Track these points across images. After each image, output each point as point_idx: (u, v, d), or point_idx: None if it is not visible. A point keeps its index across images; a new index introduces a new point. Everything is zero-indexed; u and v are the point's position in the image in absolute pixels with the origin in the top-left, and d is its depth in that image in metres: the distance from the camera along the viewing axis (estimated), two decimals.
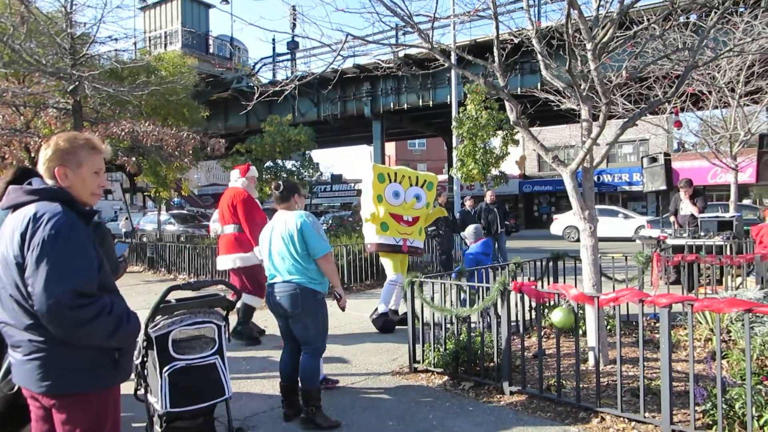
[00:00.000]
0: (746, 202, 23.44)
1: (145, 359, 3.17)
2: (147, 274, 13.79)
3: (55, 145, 2.14)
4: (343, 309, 4.11)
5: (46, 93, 13.25)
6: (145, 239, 18.55)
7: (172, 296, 3.23)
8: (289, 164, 19.67)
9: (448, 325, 4.97)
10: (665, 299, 3.40)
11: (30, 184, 2.11)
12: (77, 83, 11.62)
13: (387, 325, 6.81)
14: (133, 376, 2.98)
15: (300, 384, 3.97)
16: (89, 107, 13.59)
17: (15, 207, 2.08)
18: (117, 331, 2.05)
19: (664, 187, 10.64)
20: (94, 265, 2.04)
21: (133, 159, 13.11)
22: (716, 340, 3.24)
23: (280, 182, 4.15)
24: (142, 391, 3.26)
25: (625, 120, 4.89)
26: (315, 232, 3.89)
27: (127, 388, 2.82)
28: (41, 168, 2.14)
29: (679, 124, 12.04)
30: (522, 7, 5.41)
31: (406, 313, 6.82)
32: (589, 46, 4.40)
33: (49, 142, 2.16)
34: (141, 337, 3.09)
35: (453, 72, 19.28)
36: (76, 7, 12.15)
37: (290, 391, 4.05)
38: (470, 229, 6.97)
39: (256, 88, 5.37)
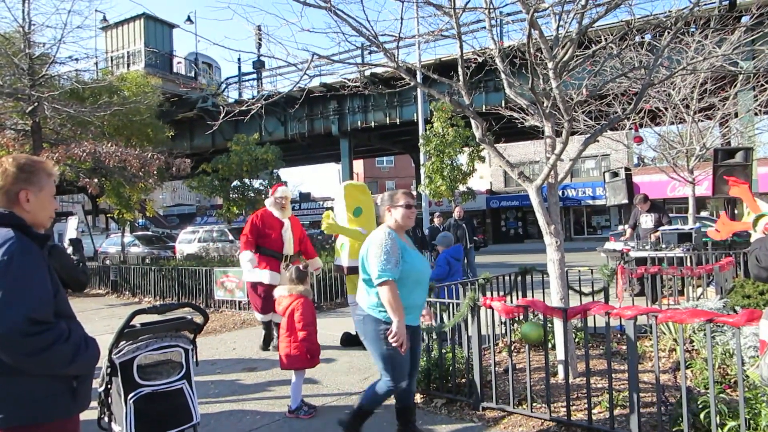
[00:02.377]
0: (704, 214, 24.21)
1: (109, 386, 3.07)
2: (110, 298, 13.43)
3: (17, 168, 2.08)
4: (400, 347, 3.33)
5: (3, 114, 12.92)
6: (108, 262, 18.10)
7: (138, 320, 3.15)
8: (256, 183, 19.49)
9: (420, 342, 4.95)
10: (630, 311, 3.47)
11: None
12: (36, 104, 11.37)
13: (348, 337, 7.04)
14: (95, 403, 2.88)
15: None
16: (49, 128, 13.30)
17: None
18: (75, 359, 1.98)
19: (625, 201, 10.95)
20: (50, 291, 1.97)
21: (95, 180, 12.85)
22: (680, 351, 3.32)
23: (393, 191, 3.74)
24: (105, 420, 3.14)
25: (588, 136, 5.02)
26: (377, 253, 3.37)
27: (89, 415, 2.73)
28: None
29: (639, 140, 12.44)
30: (485, 27, 5.52)
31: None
32: (550, 65, 4.51)
33: (2, 165, 2.09)
34: (104, 363, 3.00)
35: (419, 90, 19.54)
36: (34, 27, 11.95)
37: (402, 412, 3.79)
38: (441, 237, 7.08)
39: (222, 107, 5.34)
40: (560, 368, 4.81)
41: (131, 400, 2.97)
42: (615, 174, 11.10)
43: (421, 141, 17.58)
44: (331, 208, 7.18)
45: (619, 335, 6.11)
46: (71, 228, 8.77)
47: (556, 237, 4.83)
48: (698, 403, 3.37)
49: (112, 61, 27.47)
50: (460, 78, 4.96)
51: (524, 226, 37.52)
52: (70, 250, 2.85)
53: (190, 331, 3.30)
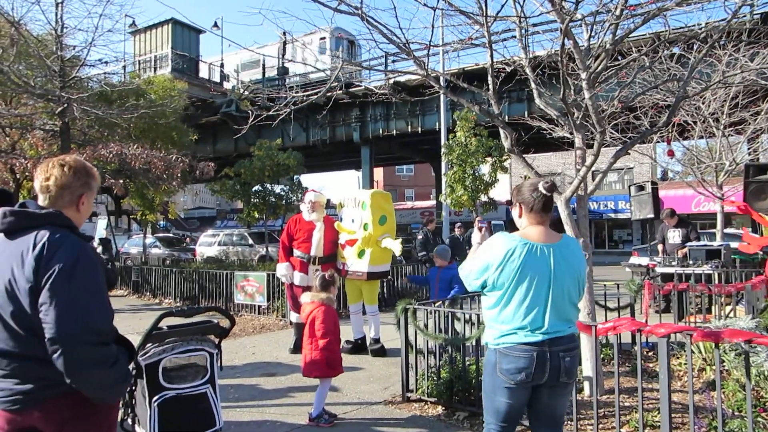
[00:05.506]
0: (729, 230, 23.71)
1: (134, 388, 3.06)
2: (131, 299, 13.55)
3: (84, 170, 2.12)
4: None
5: (34, 115, 13.16)
6: (129, 263, 18.30)
7: (163, 323, 3.14)
8: (277, 188, 19.56)
9: (442, 354, 4.89)
10: (663, 329, 3.37)
11: (24, 206, 2.04)
12: (66, 105, 11.55)
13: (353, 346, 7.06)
14: (120, 404, 2.88)
15: None
16: (77, 129, 13.50)
17: (12, 231, 1.99)
18: (115, 384, 2.08)
19: (651, 216, 10.72)
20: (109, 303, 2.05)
21: (120, 181, 13.00)
22: (716, 371, 3.21)
23: (552, 180, 2.77)
24: (129, 422, 3.14)
25: (619, 148, 4.93)
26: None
27: None
28: (55, 191, 2.07)
29: (672, 153, 12.22)
30: (514, 36, 5.47)
31: (356, 340, 7.01)
32: (583, 75, 4.44)
33: (69, 164, 2.10)
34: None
35: (442, 99, 19.50)
36: (66, 30, 12.17)
37: None
38: (441, 249, 6.67)
39: (251, 111, 5.36)
40: (586, 385, 4.71)
41: (156, 403, 2.96)
42: (641, 188, 10.87)
43: (443, 150, 17.50)
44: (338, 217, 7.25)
45: (645, 352, 5.97)
46: (100, 228, 8.84)
47: (585, 250, 4.73)
48: (734, 426, 3.26)
49: (139, 64, 27.92)
50: (490, 87, 4.91)
51: None
52: (99, 249, 2.86)
53: (216, 336, 3.29)
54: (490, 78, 4.88)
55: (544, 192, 2.67)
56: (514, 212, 2.83)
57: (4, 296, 1.91)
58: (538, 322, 2.59)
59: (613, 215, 33.34)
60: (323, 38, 25.33)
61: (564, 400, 2.73)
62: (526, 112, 19.94)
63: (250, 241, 22.21)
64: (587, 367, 4.60)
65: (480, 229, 3.93)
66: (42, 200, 2.08)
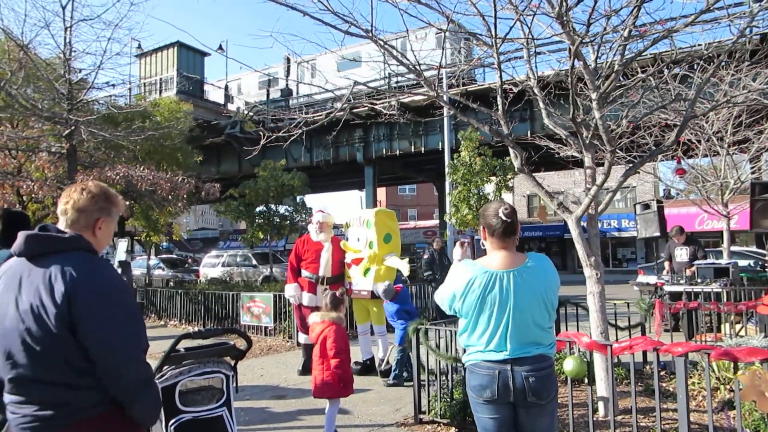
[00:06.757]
0: (734, 248, 23.60)
1: None
2: None
3: (103, 194, 2.13)
4: None
5: (41, 137, 13.24)
6: (134, 284, 18.28)
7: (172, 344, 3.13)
8: (281, 209, 19.58)
9: (455, 374, 4.86)
10: (681, 348, 3.36)
11: (46, 230, 2.02)
12: (73, 128, 11.64)
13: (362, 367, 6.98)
14: None
15: None
16: (83, 151, 13.58)
17: (34, 255, 1.97)
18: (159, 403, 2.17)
19: (657, 234, 10.73)
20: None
21: (126, 203, 13.03)
22: (736, 391, 3.18)
23: (511, 206, 2.80)
24: None
25: (627, 168, 4.95)
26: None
27: None
28: (72, 214, 2.07)
29: (682, 172, 12.19)
30: (522, 57, 5.53)
31: (365, 361, 6.93)
32: (593, 95, 4.48)
33: (88, 188, 2.11)
34: None
35: (446, 119, 19.62)
36: (75, 54, 12.30)
37: None
38: (383, 287, 6.42)
39: (262, 133, 5.40)
40: (601, 405, 4.66)
41: (172, 427, 2.93)
42: (646, 206, 10.89)
43: (447, 170, 17.55)
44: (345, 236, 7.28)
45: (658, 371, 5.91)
46: (120, 250, 8.88)
47: (597, 269, 4.73)
48: None
49: (145, 86, 28.19)
50: (499, 107, 4.95)
51: (547, 256, 37.04)
52: (119, 271, 2.86)
53: (232, 357, 3.27)
54: (499, 98, 4.92)
55: (503, 218, 2.70)
56: (481, 235, 2.86)
57: (30, 321, 1.87)
58: (501, 347, 2.64)
59: (616, 233, 33.31)
60: (439, 33, 25.01)
61: (543, 420, 2.67)
62: (529, 132, 20.04)
63: (254, 262, 22.21)
64: (601, 387, 4.56)
65: (462, 244, 3.91)
66: (61, 223, 2.08)
